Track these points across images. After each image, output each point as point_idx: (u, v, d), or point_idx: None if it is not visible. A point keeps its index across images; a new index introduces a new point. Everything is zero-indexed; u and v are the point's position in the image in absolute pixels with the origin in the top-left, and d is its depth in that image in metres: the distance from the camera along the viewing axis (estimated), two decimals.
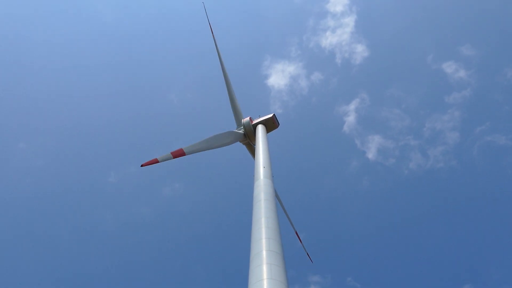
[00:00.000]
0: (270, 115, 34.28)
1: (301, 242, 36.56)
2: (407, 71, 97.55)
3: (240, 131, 34.01)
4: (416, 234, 75.63)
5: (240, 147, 36.25)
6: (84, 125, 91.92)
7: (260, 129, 31.62)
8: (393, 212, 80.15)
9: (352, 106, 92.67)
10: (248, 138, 34.33)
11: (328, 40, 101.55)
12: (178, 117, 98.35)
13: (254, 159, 25.14)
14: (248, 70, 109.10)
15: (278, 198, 35.17)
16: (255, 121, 34.40)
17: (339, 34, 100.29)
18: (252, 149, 34.94)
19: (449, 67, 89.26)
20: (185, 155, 24.97)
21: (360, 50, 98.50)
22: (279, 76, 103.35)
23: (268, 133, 33.44)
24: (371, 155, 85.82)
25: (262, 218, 15.15)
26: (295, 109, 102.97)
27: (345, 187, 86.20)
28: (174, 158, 24.80)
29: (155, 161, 22.91)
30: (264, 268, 11.59)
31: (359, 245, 76.77)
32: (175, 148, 25.60)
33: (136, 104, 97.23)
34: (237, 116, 34.60)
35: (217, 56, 33.34)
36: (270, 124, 33.81)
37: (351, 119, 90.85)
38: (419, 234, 75.41)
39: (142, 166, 21.37)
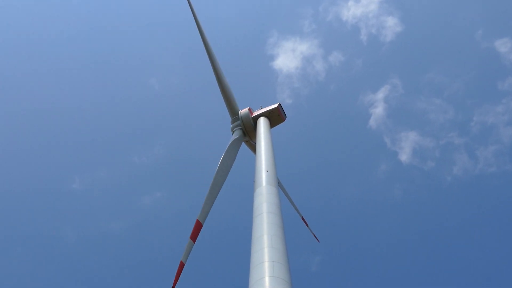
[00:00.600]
0: (275, 105, 33.38)
1: (307, 225, 37.10)
2: (451, 51, 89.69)
3: (237, 129, 33.02)
4: (462, 256, 69.74)
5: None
6: (41, 115, 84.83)
7: (262, 123, 31.05)
8: (432, 230, 73.86)
9: (381, 94, 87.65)
10: (247, 134, 33.49)
11: (351, 11, 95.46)
12: (160, 106, 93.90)
13: (255, 161, 24.39)
14: (249, 49, 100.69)
15: (280, 187, 35.00)
16: (255, 113, 33.78)
17: (365, 4, 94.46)
18: (253, 147, 34.01)
19: (503, 46, 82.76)
20: (202, 225, 24.28)
21: (391, 24, 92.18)
22: (289, 57, 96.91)
23: (272, 128, 32.68)
24: (404, 156, 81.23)
25: (265, 236, 14.42)
26: (308, 98, 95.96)
27: (371, 197, 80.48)
28: (194, 239, 24.26)
29: (182, 265, 21.91)
30: None
31: (388, 270, 71.47)
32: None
33: (109, 90, 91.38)
34: (231, 107, 33.62)
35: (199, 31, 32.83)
36: (275, 117, 33.02)
37: (379, 111, 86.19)
38: (466, 256, 69.74)
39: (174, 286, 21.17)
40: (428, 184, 78.81)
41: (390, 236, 74.60)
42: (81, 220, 75.38)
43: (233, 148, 30.54)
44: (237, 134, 32.89)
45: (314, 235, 38.89)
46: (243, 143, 34.35)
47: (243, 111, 34.18)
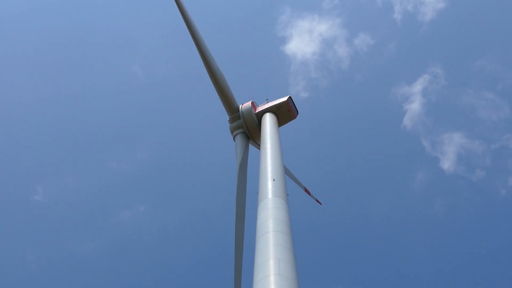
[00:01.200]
0: (284, 99, 33.06)
1: (310, 193, 38.43)
2: (506, 33, 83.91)
3: (239, 133, 32.62)
4: None
5: (233, 143, 34.51)
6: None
7: (268, 121, 30.69)
8: (482, 253, 69.00)
9: (418, 86, 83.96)
10: (250, 134, 33.22)
11: None
12: (145, 99, 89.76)
13: (259, 167, 24.45)
14: (254, 29, 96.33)
15: (287, 171, 35.67)
16: (260, 108, 33.38)
17: None
18: (245, 143, 33.43)
19: None
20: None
21: (432, 0, 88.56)
22: (304, 39, 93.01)
23: (281, 127, 32.73)
24: (447, 163, 77.50)
25: (271, 260, 13.96)
26: (328, 92, 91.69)
27: (407, 212, 76.06)
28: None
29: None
30: None
31: None
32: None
33: (79, 79, 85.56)
34: (228, 103, 32.99)
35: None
36: (284, 113, 32.74)
37: (415, 107, 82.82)
38: None
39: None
40: (477, 198, 75.84)
41: (430, 262, 71.07)
42: (44, 241, 71.78)
43: (244, 164, 30.84)
44: (241, 141, 32.59)
45: (317, 200, 40.38)
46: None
47: (245, 105, 33.55)
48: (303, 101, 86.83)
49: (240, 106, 34.27)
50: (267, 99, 34.83)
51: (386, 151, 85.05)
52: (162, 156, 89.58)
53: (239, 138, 33.05)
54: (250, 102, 34.52)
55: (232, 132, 34.04)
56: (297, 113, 34.36)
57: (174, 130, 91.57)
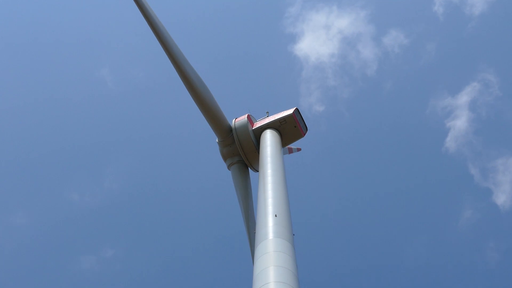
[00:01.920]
0: (289, 111, 32.71)
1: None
2: None
3: (234, 161, 32.50)
4: None
5: (226, 173, 33.46)
6: None
7: (269, 139, 30.68)
8: None
9: (465, 98, 77.21)
10: (246, 159, 32.81)
11: None
12: (114, 112, 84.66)
13: (257, 198, 24.05)
14: (257, 24, 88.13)
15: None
16: (258, 123, 33.10)
17: None
18: (244, 174, 33.11)
19: None
20: None
21: None
22: (319, 37, 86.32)
23: (285, 147, 33.88)
24: (502, 197, 70.35)
25: None
26: (350, 104, 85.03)
27: (449, 260, 69.15)
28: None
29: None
30: None
31: None
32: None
33: (34, 87, 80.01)
34: (216, 123, 32.50)
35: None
36: (289, 129, 32.82)
37: (461, 124, 76.61)
38: None
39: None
40: None
41: None
42: None
43: (247, 199, 30.76)
44: (238, 172, 32.01)
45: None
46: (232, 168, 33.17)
47: (239, 120, 32.93)
48: (317, 116, 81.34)
49: (233, 122, 33.39)
50: (267, 112, 34.39)
51: (424, 180, 77.22)
52: (136, 185, 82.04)
53: (235, 170, 32.56)
54: (246, 115, 33.77)
55: (224, 159, 33.42)
56: (306, 130, 34.09)
57: (152, 152, 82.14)
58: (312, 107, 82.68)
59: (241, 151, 32.44)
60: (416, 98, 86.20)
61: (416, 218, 75.38)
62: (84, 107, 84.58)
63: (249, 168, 33.19)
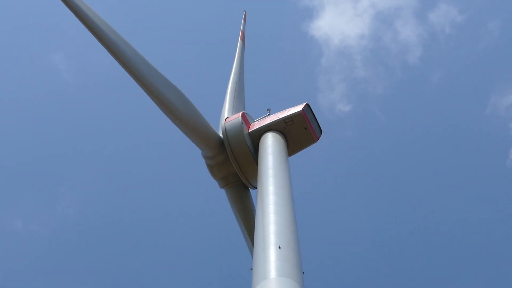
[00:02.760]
0: (298, 108, 30.37)
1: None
2: None
3: (227, 180, 31.93)
4: None
5: (218, 192, 31.12)
6: None
7: (271, 145, 28.76)
8: None
9: None
10: (238, 168, 30.92)
11: None
12: (70, 103, 70.59)
13: (255, 224, 21.90)
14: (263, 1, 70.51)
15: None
16: (256, 125, 31.17)
17: None
18: (243, 197, 32.22)
19: None
20: None
21: None
22: (344, 13, 73.04)
23: (292, 156, 31.87)
24: None
25: None
26: (385, 101, 71.58)
27: None
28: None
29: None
30: None
31: None
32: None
33: None
34: (201, 138, 31.63)
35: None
36: (297, 132, 30.85)
37: None
38: None
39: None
40: None
41: None
42: None
43: (249, 222, 30.02)
44: (236, 196, 31.48)
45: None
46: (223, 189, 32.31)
47: (231, 121, 30.85)
48: (341, 118, 68.27)
49: (223, 122, 30.93)
50: (268, 109, 31.78)
51: (483, 204, 62.83)
52: (99, 210, 63.22)
53: (232, 194, 31.16)
54: (240, 114, 30.91)
55: (215, 177, 31.33)
56: (321, 133, 31.11)
57: (121, 166, 66.54)
58: (335, 107, 70.26)
59: (233, 162, 30.07)
60: (473, 94, 69.72)
61: (473, 254, 62.20)
62: (28, 106, 66.47)
63: (230, 179, 31.72)
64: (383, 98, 76.34)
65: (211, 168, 31.22)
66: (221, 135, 30.77)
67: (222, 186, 31.79)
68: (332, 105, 72.87)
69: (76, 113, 73.50)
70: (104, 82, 76.57)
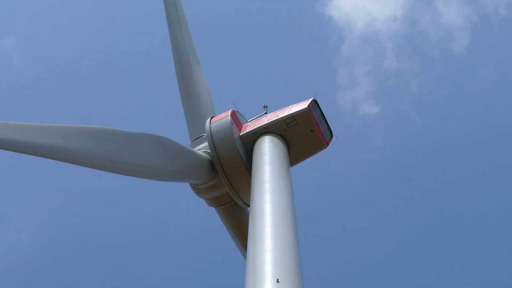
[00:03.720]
0: (302, 105, 27.94)
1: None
2: None
3: (219, 201, 29.69)
4: None
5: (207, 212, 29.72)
6: None
7: (268, 152, 26.33)
8: None
9: None
10: (227, 181, 28.49)
11: None
12: (24, 97, 64.96)
13: (247, 252, 19.85)
14: None
15: None
16: (250, 126, 28.73)
17: None
18: (236, 217, 30.08)
19: None
20: None
21: None
22: None
23: (293, 166, 28.60)
24: None
25: None
26: (422, 101, 63.01)
27: None
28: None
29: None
30: None
31: None
32: None
33: None
34: (194, 112, 30.34)
35: None
36: (301, 135, 28.53)
37: None
38: None
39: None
40: None
41: None
42: None
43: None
44: (226, 215, 30.30)
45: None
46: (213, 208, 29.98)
47: (218, 121, 28.48)
48: (368, 121, 61.10)
49: (208, 123, 28.65)
50: (265, 107, 29.52)
51: None
52: (58, 236, 57.89)
53: (225, 215, 30.01)
54: (229, 112, 28.38)
55: (202, 197, 29.62)
56: (331, 137, 28.63)
57: (86, 181, 57.86)
58: (358, 108, 61.34)
59: (221, 173, 27.91)
60: None
61: None
62: None
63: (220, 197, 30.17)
64: (419, 97, 65.73)
65: (198, 191, 29.35)
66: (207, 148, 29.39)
67: (211, 205, 30.09)
68: (355, 106, 64.12)
69: (30, 109, 64.54)
70: (66, 72, 66.64)
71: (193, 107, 31.25)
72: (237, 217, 29.94)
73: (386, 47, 68.00)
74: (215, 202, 29.55)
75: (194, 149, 29.53)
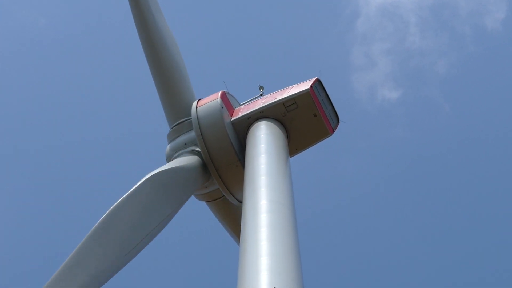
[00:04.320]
0: (304, 86, 26.37)
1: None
2: None
3: (186, 152, 27.54)
4: None
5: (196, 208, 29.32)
6: None
7: (265, 140, 25.10)
8: None
9: None
10: (217, 175, 26.80)
11: None
12: None
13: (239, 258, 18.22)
14: None
15: None
16: (243, 111, 27.42)
17: None
18: (230, 212, 28.76)
19: None
20: None
21: None
22: None
23: (294, 156, 27.31)
24: None
25: None
26: (451, 84, 56.11)
27: None
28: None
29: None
30: None
31: None
32: None
33: None
34: (171, 92, 28.49)
35: None
36: (303, 120, 27.11)
37: None
38: None
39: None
40: None
41: None
42: None
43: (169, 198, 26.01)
44: (218, 210, 28.74)
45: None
46: (200, 197, 28.00)
47: (206, 104, 26.69)
48: (388, 108, 55.35)
49: (195, 106, 26.78)
50: (261, 88, 28.26)
51: None
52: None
53: (217, 210, 28.75)
54: (219, 94, 26.66)
55: (169, 158, 28.40)
56: (338, 123, 27.11)
57: (56, 177, 54.95)
58: (376, 93, 55.49)
59: (211, 167, 26.31)
60: None
61: None
62: None
63: (208, 187, 27.80)
64: (447, 79, 57.38)
65: (169, 154, 28.40)
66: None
67: (201, 200, 28.67)
68: (373, 90, 56.88)
69: None
70: (37, 47, 61.24)
71: (170, 84, 28.68)
72: (230, 211, 28.41)
73: (408, 22, 60.83)
74: (205, 197, 27.84)
75: (174, 143, 27.67)
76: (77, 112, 60.03)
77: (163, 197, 24.91)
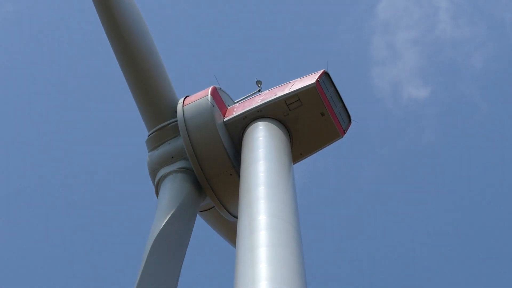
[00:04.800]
0: (309, 81, 24.75)
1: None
2: None
3: (176, 171, 26.16)
4: None
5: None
6: None
7: (263, 144, 23.95)
8: None
9: None
10: (207, 185, 25.60)
11: None
12: None
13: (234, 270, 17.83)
14: None
15: None
16: (238, 108, 26.20)
17: None
18: (224, 222, 27.75)
19: None
20: None
21: None
22: None
23: (297, 163, 26.36)
24: None
25: None
26: (486, 81, 55.23)
27: None
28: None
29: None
30: None
31: None
32: None
33: None
34: (149, 89, 26.75)
35: None
36: (307, 120, 25.69)
37: None
38: None
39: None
40: None
41: None
42: None
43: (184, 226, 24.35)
44: (212, 220, 27.81)
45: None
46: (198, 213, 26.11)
47: (193, 102, 24.68)
48: (415, 109, 50.60)
49: (181, 106, 25.28)
50: (259, 83, 26.68)
51: None
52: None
53: (210, 219, 27.74)
54: (210, 90, 25.33)
55: (153, 175, 25.97)
56: (349, 123, 25.58)
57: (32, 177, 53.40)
58: (401, 90, 50.34)
59: (200, 177, 24.49)
60: None
61: None
62: None
63: (203, 202, 25.81)
64: (485, 76, 51.84)
65: (152, 170, 27.04)
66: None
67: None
68: (397, 87, 51.80)
69: None
70: (4, 34, 58.67)
71: (146, 79, 26.75)
72: (225, 221, 27.14)
73: (438, 7, 54.28)
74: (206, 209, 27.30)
75: (158, 153, 25.79)
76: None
77: (175, 244, 23.41)
